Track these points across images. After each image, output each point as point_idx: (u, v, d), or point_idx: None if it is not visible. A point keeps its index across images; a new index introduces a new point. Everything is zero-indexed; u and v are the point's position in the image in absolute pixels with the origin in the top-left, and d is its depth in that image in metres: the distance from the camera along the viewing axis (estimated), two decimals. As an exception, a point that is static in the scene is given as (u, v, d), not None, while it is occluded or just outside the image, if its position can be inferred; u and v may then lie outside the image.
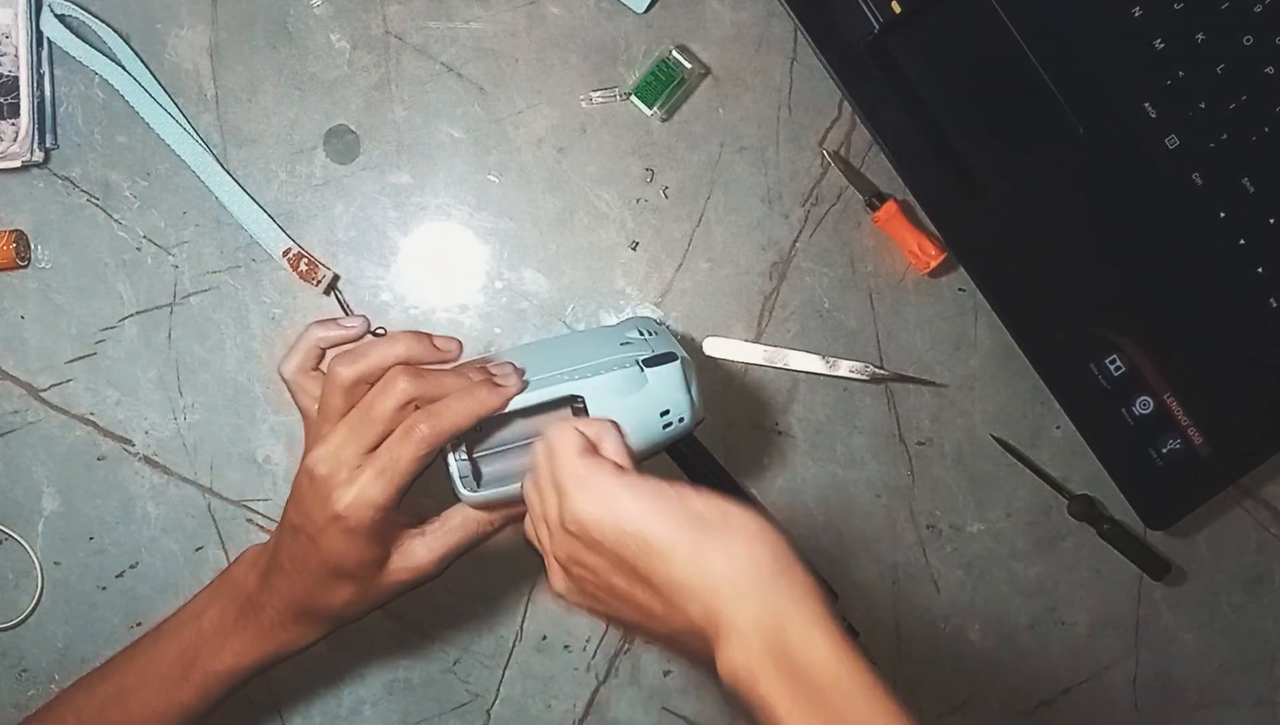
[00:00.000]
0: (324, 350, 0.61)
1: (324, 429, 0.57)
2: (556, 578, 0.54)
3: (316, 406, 0.59)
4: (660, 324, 0.65)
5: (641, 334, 0.62)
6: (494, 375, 0.57)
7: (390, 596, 0.61)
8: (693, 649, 0.50)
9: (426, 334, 0.58)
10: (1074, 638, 0.71)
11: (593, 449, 0.53)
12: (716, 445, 0.69)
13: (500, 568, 0.70)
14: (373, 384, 0.57)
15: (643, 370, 0.59)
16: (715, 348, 0.69)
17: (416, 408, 0.56)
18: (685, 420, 0.60)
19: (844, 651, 0.46)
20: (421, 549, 0.60)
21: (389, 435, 0.56)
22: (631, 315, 0.68)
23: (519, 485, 0.57)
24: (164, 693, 0.61)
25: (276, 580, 0.60)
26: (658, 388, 0.59)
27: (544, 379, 0.58)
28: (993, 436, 0.69)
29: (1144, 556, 0.69)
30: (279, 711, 0.71)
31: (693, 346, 0.69)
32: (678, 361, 0.59)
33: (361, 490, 0.55)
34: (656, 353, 0.60)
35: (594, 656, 0.71)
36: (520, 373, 0.58)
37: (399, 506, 0.57)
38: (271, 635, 0.61)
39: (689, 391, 0.60)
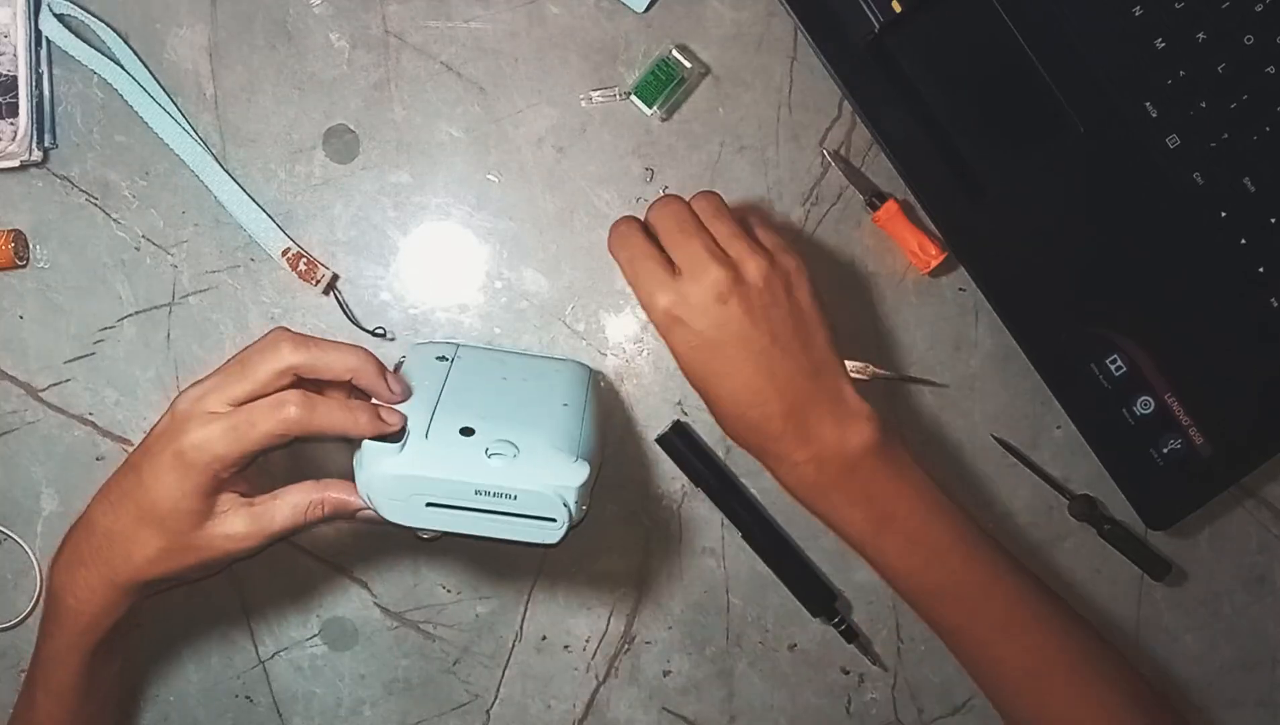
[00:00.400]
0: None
1: (222, 388, 0.55)
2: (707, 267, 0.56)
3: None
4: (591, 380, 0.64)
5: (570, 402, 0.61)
6: (381, 412, 0.56)
7: (197, 567, 0.57)
8: (794, 400, 0.57)
9: (384, 370, 0.58)
10: (1075, 638, 0.71)
11: None
12: (717, 445, 0.69)
13: (500, 568, 0.70)
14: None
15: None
16: (715, 348, 0.68)
17: (293, 386, 0.55)
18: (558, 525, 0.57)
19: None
20: (242, 522, 0.56)
21: (255, 395, 0.55)
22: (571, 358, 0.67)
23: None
24: (23, 711, 0.60)
25: (76, 535, 0.57)
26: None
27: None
28: (993, 437, 0.69)
29: (1145, 557, 0.69)
30: (279, 711, 0.71)
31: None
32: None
33: (208, 437, 0.54)
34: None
35: (594, 657, 0.71)
36: (404, 423, 0.56)
37: (240, 472, 0.56)
38: (76, 620, 0.57)
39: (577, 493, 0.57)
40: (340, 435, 0.55)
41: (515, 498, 0.55)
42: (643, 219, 0.60)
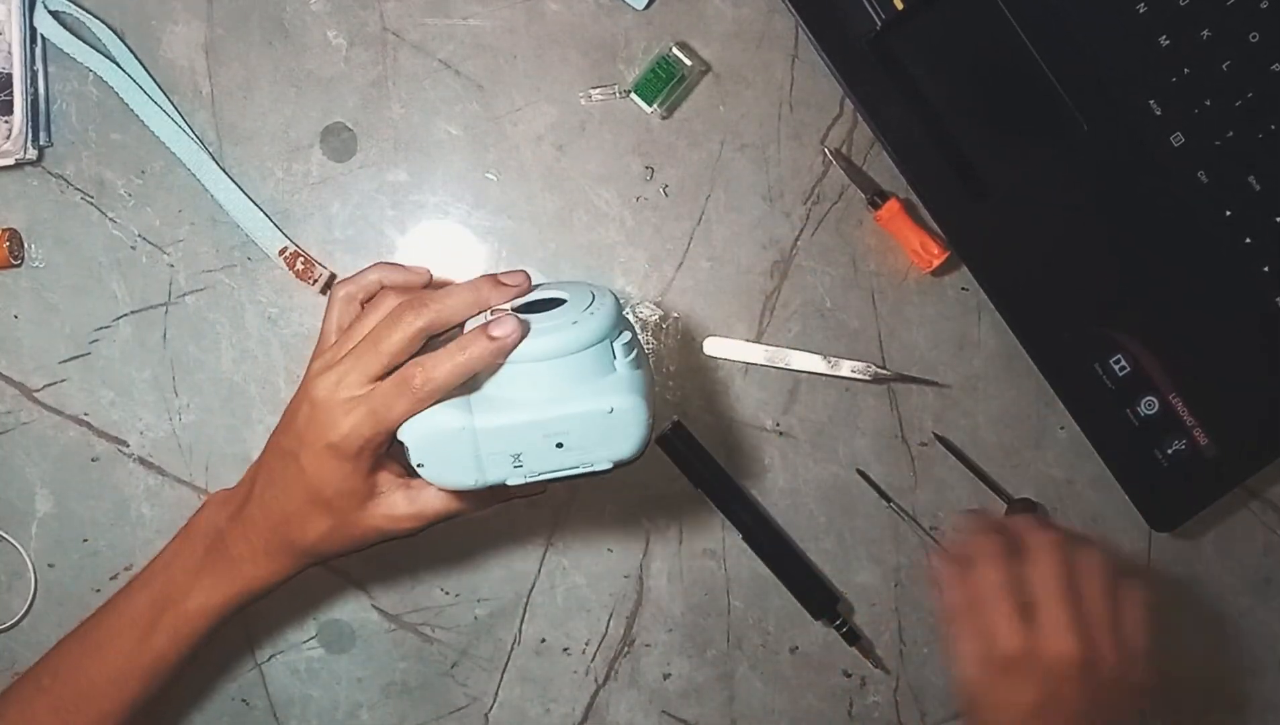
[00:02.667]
0: (382, 288, 0.60)
1: (327, 353, 0.57)
2: None
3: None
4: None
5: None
6: (489, 327, 0.54)
7: (363, 541, 0.58)
8: None
9: (498, 283, 0.57)
10: (1078, 641, 0.70)
11: None
12: (717, 446, 0.69)
13: (499, 570, 0.70)
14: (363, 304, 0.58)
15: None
16: (716, 347, 0.68)
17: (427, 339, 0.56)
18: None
19: None
20: (403, 501, 0.58)
21: (392, 366, 0.55)
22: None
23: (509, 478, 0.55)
24: (136, 641, 0.60)
25: (251, 510, 0.59)
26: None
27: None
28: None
29: None
30: (276, 715, 0.70)
31: (693, 346, 0.68)
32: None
33: (355, 425, 0.54)
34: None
35: (593, 660, 0.70)
36: (522, 325, 0.54)
37: (389, 450, 0.56)
38: (240, 569, 0.59)
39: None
40: (467, 377, 0.54)
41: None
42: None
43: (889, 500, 0.69)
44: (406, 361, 0.55)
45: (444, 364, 0.54)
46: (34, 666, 0.63)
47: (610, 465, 0.55)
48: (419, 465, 0.55)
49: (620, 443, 0.54)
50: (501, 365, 0.54)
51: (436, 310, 0.55)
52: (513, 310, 0.55)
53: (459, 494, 0.57)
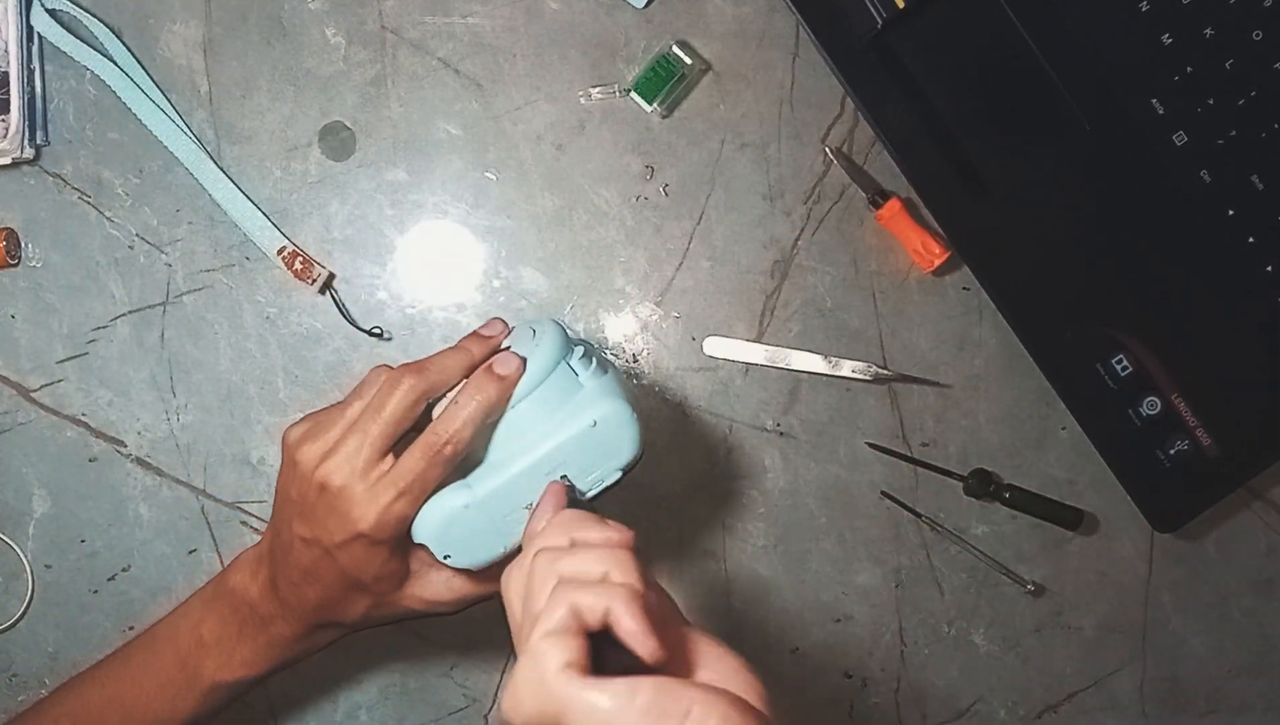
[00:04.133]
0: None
1: (330, 431, 0.55)
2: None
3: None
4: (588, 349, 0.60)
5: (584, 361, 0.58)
6: (493, 365, 0.55)
7: (404, 616, 0.59)
8: None
9: (479, 337, 0.57)
10: (1080, 642, 0.70)
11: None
12: (718, 446, 0.68)
13: (498, 570, 0.69)
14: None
15: (594, 426, 0.55)
16: (716, 347, 0.68)
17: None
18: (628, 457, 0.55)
19: None
20: (440, 584, 0.58)
21: (398, 434, 0.54)
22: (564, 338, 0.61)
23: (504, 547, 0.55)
24: (166, 702, 0.60)
25: (287, 592, 0.58)
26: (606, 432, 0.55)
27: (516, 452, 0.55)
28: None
29: (1055, 512, 0.67)
30: (274, 716, 0.70)
31: (693, 346, 0.68)
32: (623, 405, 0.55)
33: (385, 508, 0.53)
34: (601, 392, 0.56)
35: (593, 661, 0.70)
36: (520, 360, 0.55)
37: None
38: (285, 645, 0.59)
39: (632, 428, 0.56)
40: (487, 419, 0.54)
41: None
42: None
43: (919, 516, 0.68)
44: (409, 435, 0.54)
45: (460, 416, 0.53)
46: (46, 703, 0.62)
47: (620, 473, 0.55)
48: (446, 557, 0.55)
49: (618, 448, 0.55)
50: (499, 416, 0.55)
51: (434, 372, 0.55)
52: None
53: (492, 567, 0.56)
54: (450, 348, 0.57)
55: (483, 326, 0.58)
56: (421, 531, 0.55)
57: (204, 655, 0.59)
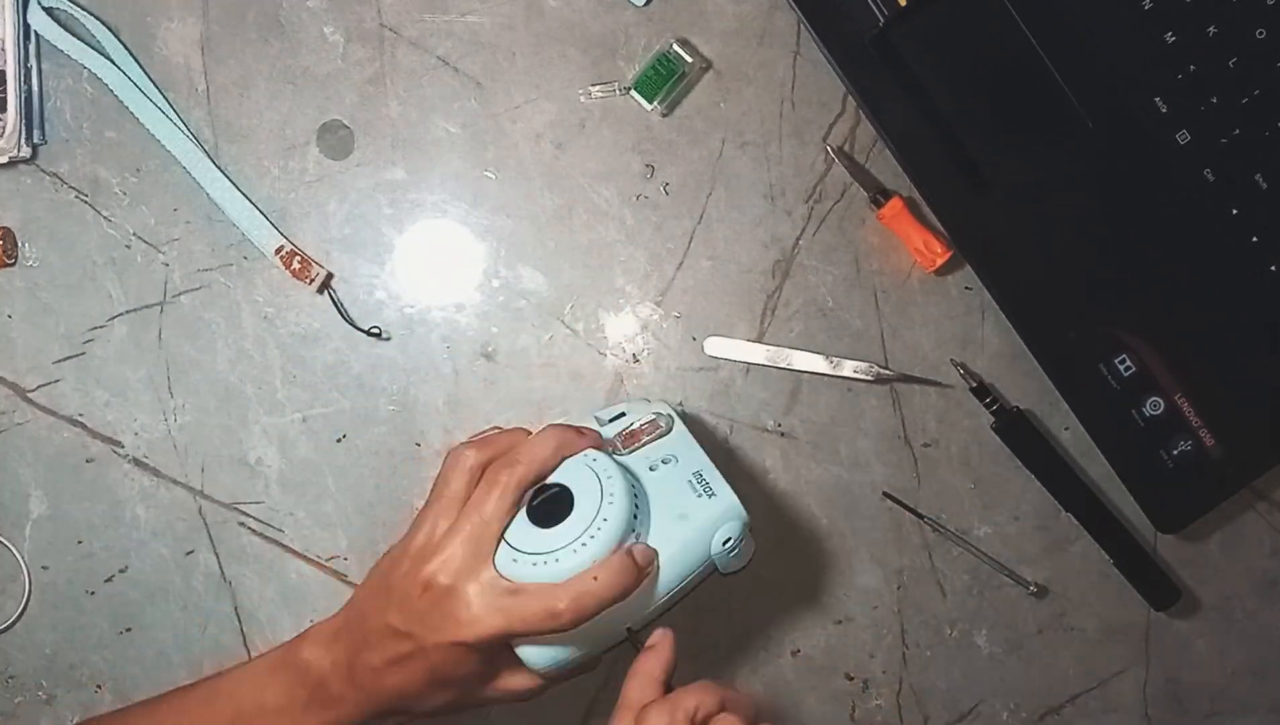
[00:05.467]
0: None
1: (436, 526, 0.55)
2: None
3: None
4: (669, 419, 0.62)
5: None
6: (634, 554, 0.55)
7: (480, 706, 0.58)
8: None
9: (568, 429, 0.57)
10: (1083, 644, 0.70)
11: None
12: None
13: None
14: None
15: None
16: (717, 347, 0.67)
17: None
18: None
19: None
20: (523, 679, 0.57)
21: (501, 532, 0.54)
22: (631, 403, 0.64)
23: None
24: None
25: (364, 676, 0.56)
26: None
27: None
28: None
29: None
30: (271, 719, 0.70)
31: (694, 346, 0.68)
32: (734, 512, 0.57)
33: (491, 629, 0.53)
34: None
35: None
36: (654, 552, 0.55)
37: None
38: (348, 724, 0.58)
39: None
40: (617, 600, 0.54)
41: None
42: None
43: (921, 517, 0.68)
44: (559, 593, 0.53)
45: (593, 597, 0.53)
46: None
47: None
48: (545, 670, 0.56)
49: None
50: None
51: (528, 462, 0.55)
52: (525, 509, 0.56)
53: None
54: (543, 433, 0.57)
55: (580, 427, 0.58)
56: (534, 662, 0.56)
57: (263, 721, 0.58)
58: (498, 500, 0.54)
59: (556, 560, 0.53)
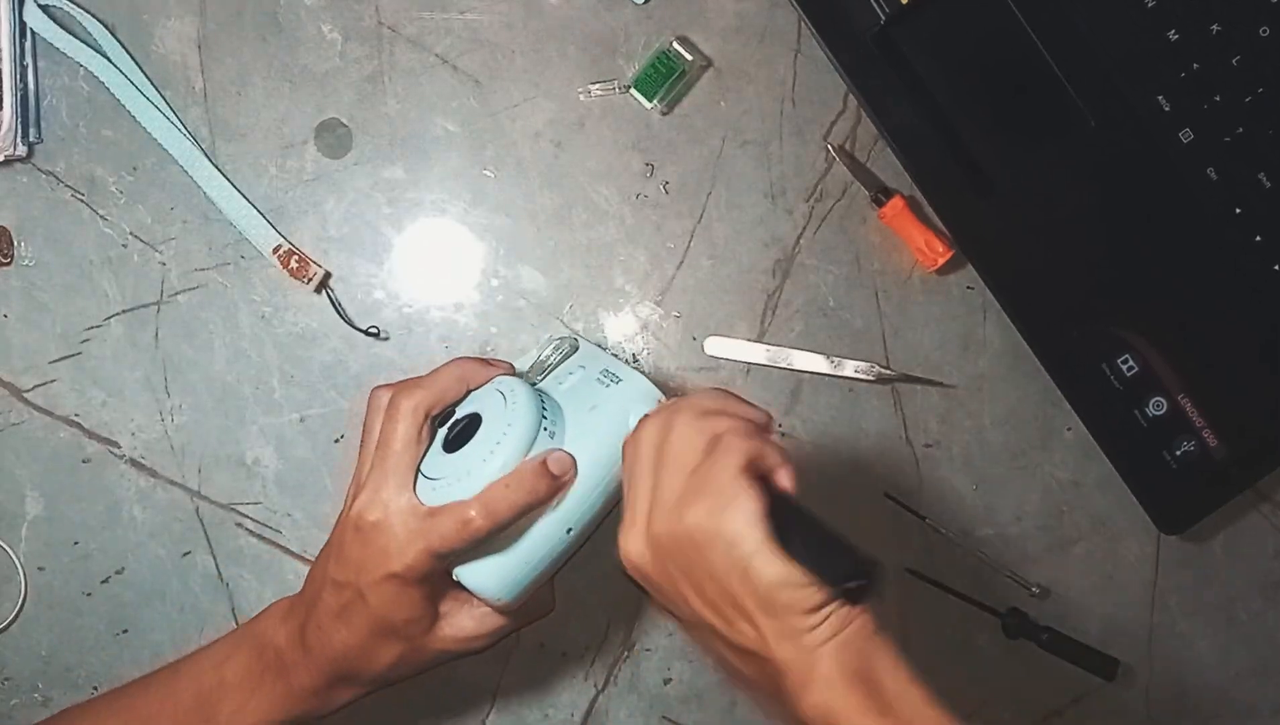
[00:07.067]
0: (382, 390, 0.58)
1: (364, 468, 0.56)
2: (635, 541, 0.52)
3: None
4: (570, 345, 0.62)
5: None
6: (548, 462, 0.55)
7: (432, 663, 0.58)
8: (750, 669, 0.51)
9: (480, 361, 0.58)
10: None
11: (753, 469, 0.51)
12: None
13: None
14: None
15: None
16: (717, 347, 0.67)
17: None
18: None
19: (927, 696, 0.50)
20: (469, 620, 0.57)
21: (415, 459, 0.55)
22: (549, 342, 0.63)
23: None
24: None
25: (312, 639, 0.57)
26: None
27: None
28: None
29: (1089, 658, 0.68)
30: (269, 721, 0.69)
31: (694, 346, 0.67)
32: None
33: (417, 555, 0.53)
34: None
35: (592, 664, 0.69)
36: (573, 460, 0.55)
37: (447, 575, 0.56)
38: (303, 698, 0.58)
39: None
40: (528, 511, 0.54)
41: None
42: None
43: (923, 518, 0.68)
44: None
45: (504, 502, 0.53)
46: (58, 719, 0.61)
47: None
48: (498, 600, 0.56)
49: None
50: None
51: (428, 387, 0.56)
52: (438, 428, 0.57)
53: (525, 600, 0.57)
54: (448, 364, 0.57)
55: (490, 359, 0.59)
56: (477, 585, 0.55)
57: (222, 696, 0.58)
58: (402, 429, 0.55)
59: (469, 474, 0.54)
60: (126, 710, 0.60)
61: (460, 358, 0.58)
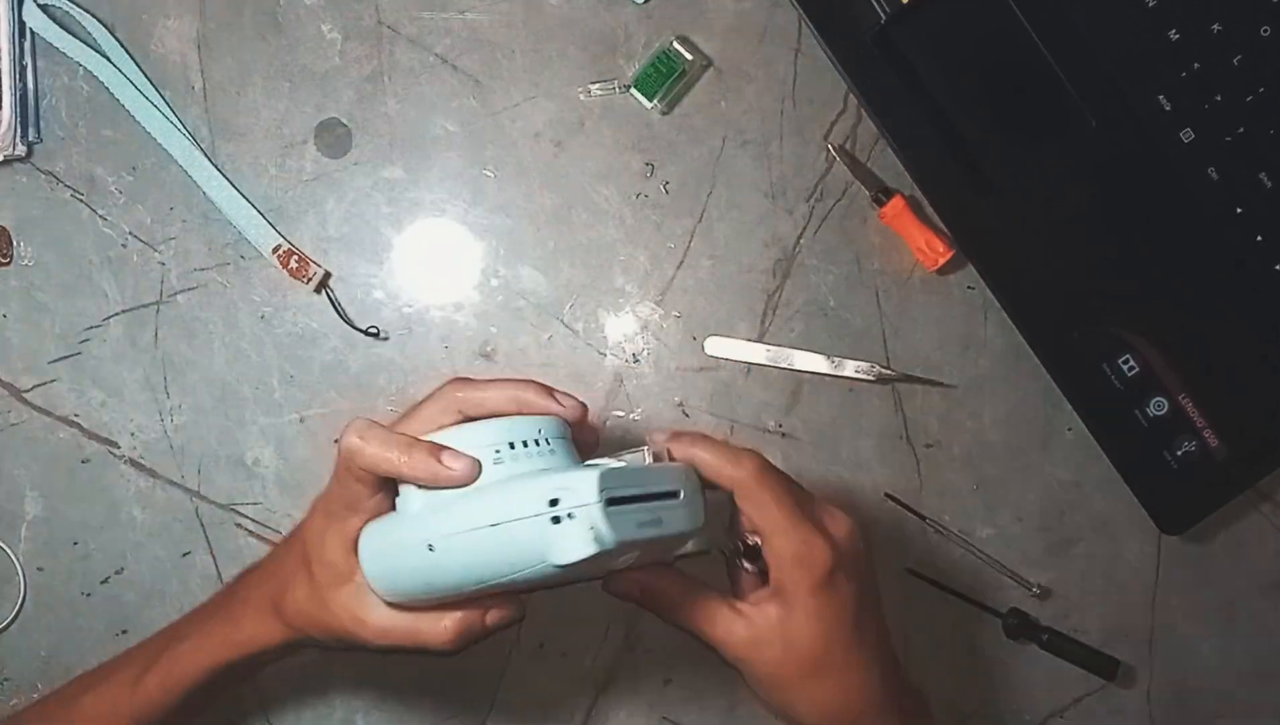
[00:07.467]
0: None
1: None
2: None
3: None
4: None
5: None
6: (444, 457, 0.51)
7: (335, 629, 0.56)
8: None
9: (548, 390, 0.55)
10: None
11: None
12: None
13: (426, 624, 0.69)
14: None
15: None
16: (717, 347, 0.67)
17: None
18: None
19: None
20: (372, 607, 0.54)
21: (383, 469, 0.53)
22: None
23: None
24: (129, 682, 0.58)
25: (254, 567, 0.59)
26: None
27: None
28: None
29: (1091, 659, 0.68)
30: (268, 721, 0.69)
31: (694, 346, 0.67)
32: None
33: (334, 474, 0.55)
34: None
35: (592, 665, 0.69)
36: (475, 466, 0.51)
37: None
38: (235, 626, 0.57)
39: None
40: (398, 477, 0.52)
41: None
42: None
43: (924, 518, 0.68)
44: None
45: (387, 454, 0.52)
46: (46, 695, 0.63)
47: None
48: (372, 581, 0.53)
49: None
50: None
51: (472, 392, 0.54)
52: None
53: (418, 616, 0.54)
54: (509, 381, 0.55)
55: (563, 394, 0.55)
56: (361, 551, 0.53)
57: (175, 632, 0.60)
58: (432, 410, 0.55)
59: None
60: (98, 669, 0.61)
61: (523, 382, 0.55)
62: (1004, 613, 0.68)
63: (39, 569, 0.69)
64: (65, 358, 0.67)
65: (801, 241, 0.67)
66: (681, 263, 0.67)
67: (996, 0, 0.63)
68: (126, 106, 0.65)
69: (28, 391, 0.67)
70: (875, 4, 0.63)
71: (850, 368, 0.67)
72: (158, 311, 0.67)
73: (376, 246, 0.67)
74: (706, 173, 0.67)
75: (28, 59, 0.65)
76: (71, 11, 0.65)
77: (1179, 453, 0.65)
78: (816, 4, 0.63)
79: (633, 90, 0.65)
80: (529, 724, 0.70)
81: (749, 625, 0.54)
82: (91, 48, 0.65)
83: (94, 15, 0.65)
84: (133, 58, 0.65)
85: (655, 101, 0.65)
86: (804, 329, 0.67)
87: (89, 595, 0.69)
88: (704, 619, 0.55)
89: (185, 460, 0.68)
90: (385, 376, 0.67)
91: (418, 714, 0.70)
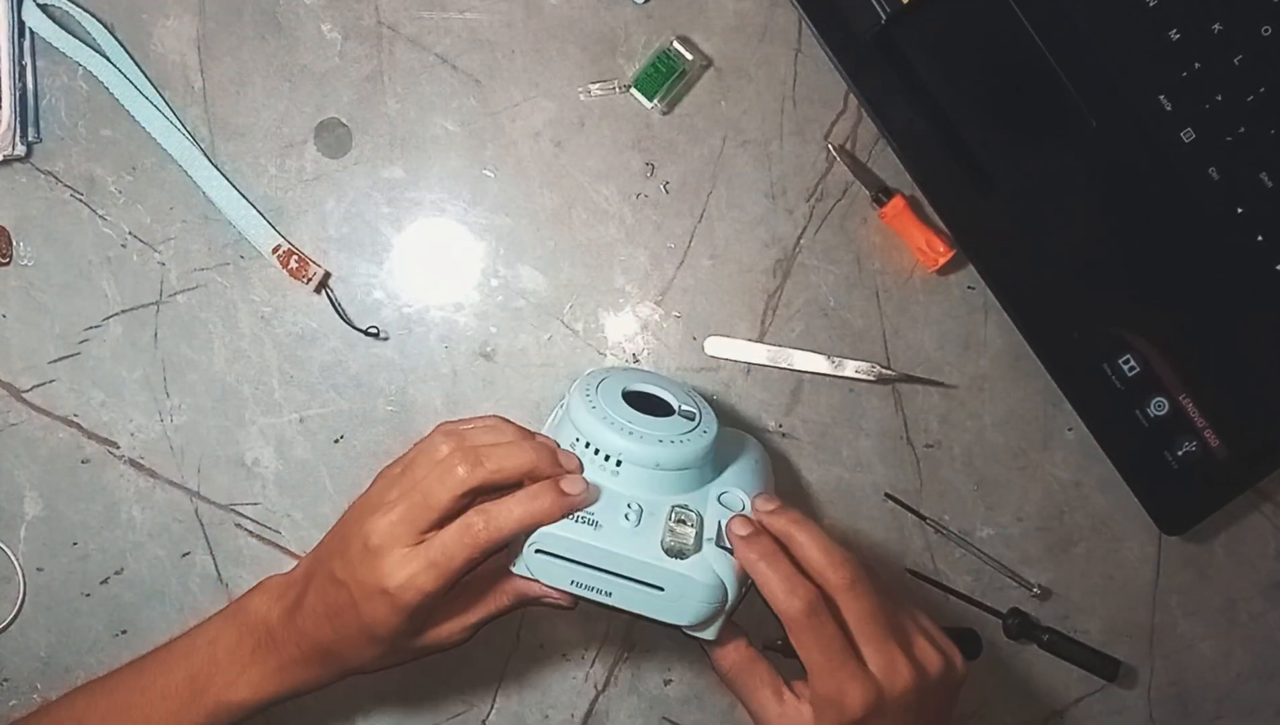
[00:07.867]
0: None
1: (389, 493, 0.56)
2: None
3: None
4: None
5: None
6: (561, 481, 0.55)
7: (415, 658, 0.59)
8: None
9: (556, 455, 0.57)
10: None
11: None
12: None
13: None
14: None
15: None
16: (717, 347, 0.67)
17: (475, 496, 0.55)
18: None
19: None
20: (457, 628, 0.58)
21: (445, 521, 0.55)
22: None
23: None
24: (170, 714, 0.59)
25: (304, 622, 0.58)
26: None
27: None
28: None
29: (1092, 660, 0.68)
30: (268, 721, 0.69)
31: (694, 346, 0.67)
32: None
33: (413, 575, 0.54)
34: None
35: (593, 665, 0.69)
36: (589, 486, 0.55)
37: (448, 592, 0.56)
38: (289, 673, 0.59)
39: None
40: (528, 529, 0.55)
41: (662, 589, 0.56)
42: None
43: (924, 518, 0.68)
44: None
45: (510, 514, 0.54)
46: (55, 706, 0.62)
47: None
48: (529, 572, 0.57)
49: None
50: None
51: (491, 471, 0.55)
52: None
53: (506, 595, 0.58)
54: (516, 442, 0.56)
55: (565, 456, 0.57)
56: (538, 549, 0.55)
57: (214, 671, 0.59)
58: (443, 494, 0.54)
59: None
60: (122, 690, 0.61)
61: (539, 445, 0.57)
62: (1004, 613, 0.68)
63: (38, 569, 0.68)
64: (65, 358, 0.67)
65: (801, 241, 0.67)
66: (681, 263, 0.67)
67: (996, 0, 0.63)
68: (126, 106, 0.65)
69: (27, 391, 0.67)
70: (875, 4, 0.63)
71: (850, 368, 0.67)
72: (157, 311, 0.67)
73: (376, 246, 0.67)
74: (706, 173, 0.66)
75: (27, 59, 0.65)
76: (71, 11, 0.65)
77: (1179, 453, 0.65)
78: (816, 4, 0.63)
79: (633, 90, 0.65)
80: (529, 723, 0.70)
81: (783, 715, 0.56)
82: (91, 47, 0.65)
83: (94, 15, 0.65)
84: (132, 58, 0.65)
85: (655, 101, 0.65)
86: (804, 329, 0.67)
87: (88, 596, 0.69)
88: (750, 690, 0.58)
89: (185, 460, 0.68)
90: (385, 376, 0.67)
91: (418, 714, 0.69)
